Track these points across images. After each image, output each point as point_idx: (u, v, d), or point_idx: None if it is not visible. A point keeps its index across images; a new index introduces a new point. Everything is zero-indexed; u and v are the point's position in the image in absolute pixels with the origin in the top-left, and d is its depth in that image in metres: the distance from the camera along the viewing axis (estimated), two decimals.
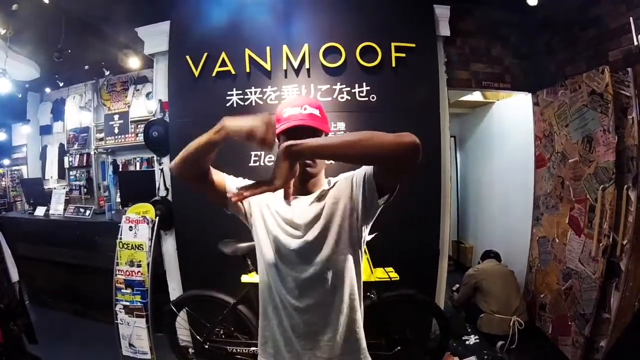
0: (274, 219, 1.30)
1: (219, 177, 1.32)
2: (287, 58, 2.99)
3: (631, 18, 2.56)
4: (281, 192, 1.25)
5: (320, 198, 1.27)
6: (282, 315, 1.27)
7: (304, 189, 1.31)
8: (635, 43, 2.54)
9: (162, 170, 3.31)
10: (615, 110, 2.64)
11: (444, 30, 3.16)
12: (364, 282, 1.34)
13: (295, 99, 1.37)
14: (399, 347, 2.73)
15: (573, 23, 3.10)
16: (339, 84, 2.98)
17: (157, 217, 3.02)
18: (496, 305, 3.38)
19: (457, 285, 3.94)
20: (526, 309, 3.44)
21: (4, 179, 6.68)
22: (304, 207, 1.28)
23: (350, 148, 1.02)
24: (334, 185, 1.30)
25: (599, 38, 2.87)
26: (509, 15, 3.45)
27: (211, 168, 1.28)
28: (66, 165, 6.07)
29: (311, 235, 1.23)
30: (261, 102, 3.03)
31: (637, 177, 2.56)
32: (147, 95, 5.14)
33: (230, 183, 1.33)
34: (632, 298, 2.62)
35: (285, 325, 1.26)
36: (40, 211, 4.42)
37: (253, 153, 3.02)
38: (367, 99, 2.98)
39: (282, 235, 1.26)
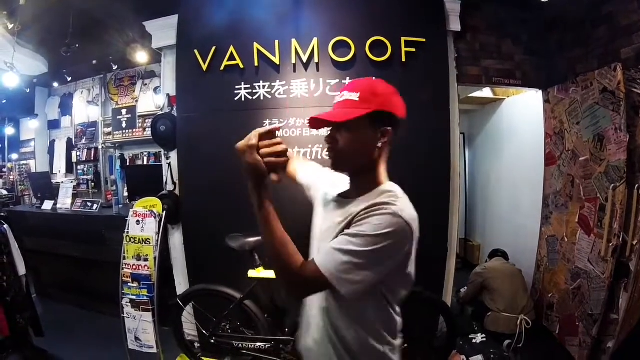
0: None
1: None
2: (296, 52, 2.97)
3: None
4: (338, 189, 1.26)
5: (350, 209, 1.09)
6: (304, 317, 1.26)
7: (352, 188, 1.19)
8: None
9: (169, 164, 3.31)
10: (627, 108, 2.60)
11: (455, 25, 3.13)
12: None
13: (349, 83, 1.17)
14: (405, 345, 2.70)
15: (585, 20, 3.07)
16: (348, 78, 2.94)
17: (164, 211, 3.02)
18: (503, 304, 3.36)
19: (465, 288, 3.92)
20: (533, 308, 3.42)
21: (12, 173, 6.73)
22: (331, 212, 1.20)
23: (265, 239, 1.04)
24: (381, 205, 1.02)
25: (611, 35, 2.83)
26: (520, 11, 3.41)
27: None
28: (74, 159, 6.14)
29: (315, 251, 1.17)
30: (269, 97, 3.01)
31: None
32: (155, 89, 5.17)
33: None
34: None
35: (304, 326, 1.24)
36: (47, 205, 4.44)
37: None
38: None
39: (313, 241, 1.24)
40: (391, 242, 0.95)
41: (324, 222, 1.21)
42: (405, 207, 1.00)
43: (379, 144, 1.09)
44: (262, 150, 1.02)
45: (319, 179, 1.38)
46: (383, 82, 1.11)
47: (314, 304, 1.18)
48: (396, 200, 1.01)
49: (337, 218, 1.11)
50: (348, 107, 1.07)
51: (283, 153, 1.06)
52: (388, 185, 1.12)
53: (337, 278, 0.96)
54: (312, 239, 1.27)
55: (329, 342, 1.13)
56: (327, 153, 1.14)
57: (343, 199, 1.18)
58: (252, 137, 1.02)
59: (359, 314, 1.09)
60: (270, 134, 1.06)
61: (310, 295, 1.07)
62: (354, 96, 1.07)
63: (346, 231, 1.01)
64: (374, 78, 1.11)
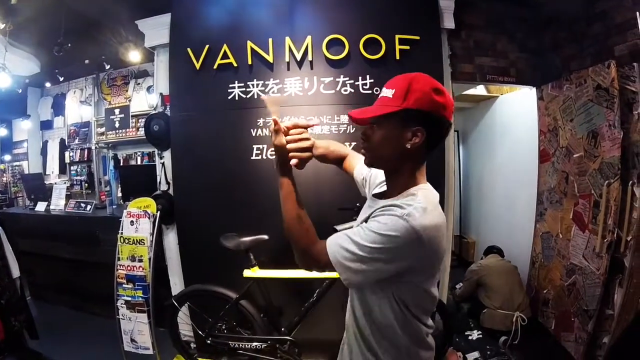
0: None
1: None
2: (290, 50, 2.95)
3: (637, 13, 2.53)
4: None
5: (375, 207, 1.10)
6: None
7: (387, 189, 1.19)
8: None
9: (163, 164, 3.28)
10: (621, 105, 2.61)
11: (449, 23, 3.11)
12: None
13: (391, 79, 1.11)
14: None
15: (579, 18, 3.07)
16: (342, 76, 2.94)
17: (159, 212, 2.99)
18: (499, 301, 3.37)
19: (461, 285, 3.92)
20: (529, 305, 3.43)
21: (5, 174, 6.68)
22: (364, 209, 1.24)
23: (283, 211, 1.13)
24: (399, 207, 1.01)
25: (605, 33, 2.84)
26: (514, 9, 3.41)
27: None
28: (67, 160, 6.09)
29: None
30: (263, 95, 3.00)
31: None
32: (148, 89, 5.14)
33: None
34: (636, 295, 2.60)
35: None
36: (41, 206, 4.40)
37: (255, 146, 3.00)
38: (370, 91, 2.94)
39: None
40: (393, 245, 0.95)
41: (359, 219, 1.23)
42: (417, 213, 0.96)
43: (408, 145, 1.03)
44: (289, 146, 1.12)
45: (372, 178, 1.37)
46: (425, 78, 1.03)
47: (349, 300, 1.23)
48: (411, 204, 0.98)
49: (364, 216, 1.15)
50: (381, 104, 1.05)
51: (307, 149, 1.15)
52: (417, 188, 1.08)
53: (339, 263, 1.00)
54: None
55: (355, 339, 1.18)
56: (362, 149, 1.14)
57: (377, 199, 1.18)
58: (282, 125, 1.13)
59: (378, 317, 1.10)
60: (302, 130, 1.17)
61: (317, 270, 1.11)
62: (389, 93, 1.04)
63: (362, 224, 1.04)
64: (419, 73, 1.04)
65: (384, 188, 1.21)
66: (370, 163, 1.16)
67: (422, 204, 0.99)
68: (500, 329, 3.31)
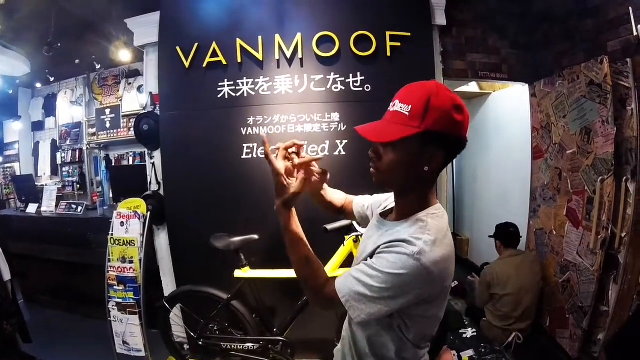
0: None
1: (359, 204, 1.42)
2: (280, 47, 2.92)
3: (630, 8, 2.52)
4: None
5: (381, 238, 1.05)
6: None
7: (395, 208, 1.13)
8: (635, 33, 2.49)
9: (153, 164, 3.25)
10: (614, 101, 2.60)
11: (440, 19, 3.10)
12: None
13: (405, 87, 0.99)
14: None
15: (571, 13, 3.06)
16: (332, 73, 2.92)
17: (149, 212, 2.97)
18: (501, 322, 3.25)
19: (456, 282, 3.87)
20: (532, 325, 3.28)
21: None
22: (372, 231, 1.16)
23: (291, 255, 1.11)
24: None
25: (598, 29, 2.83)
26: (506, 5, 3.40)
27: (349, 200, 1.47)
28: (59, 161, 6.02)
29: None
30: (253, 93, 2.96)
31: (636, 169, 2.53)
32: (139, 88, 5.08)
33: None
34: (631, 291, 2.60)
35: None
36: (32, 208, 4.36)
37: (245, 145, 2.97)
38: (361, 89, 2.92)
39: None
40: (403, 283, 0.91)
41: (364, 241, 1.20)
42: (427, 247, 0.91)
43: (426, 168, 0.96)
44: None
45: (375, 204, 1.35)
46: (444, 92, 0.92)
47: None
48: (421, 237, 0.93)
49: (370, 244, 1.07)
50: (396, 122, 0.95)
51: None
52: (427, 213, 1.01)
53: (350, 305, 0.97)
54: (358, 251, 1.23)
55: (349, 349, 1.18)
56: (371, 168, 1.05)
57: (383, 220, 1.14)
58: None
59: (374, 335, 1.09)
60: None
61: (330, 310, 1.08)
62: (405, 109, 0.93)
63: (368, 260, 0.98)
64: (435, 82, 0.95)
65: (392, 204, 1.18)
66: (379, 184, 1.07)
67: (431, 235, 0.94)
68: (495, 340, 3.26)
